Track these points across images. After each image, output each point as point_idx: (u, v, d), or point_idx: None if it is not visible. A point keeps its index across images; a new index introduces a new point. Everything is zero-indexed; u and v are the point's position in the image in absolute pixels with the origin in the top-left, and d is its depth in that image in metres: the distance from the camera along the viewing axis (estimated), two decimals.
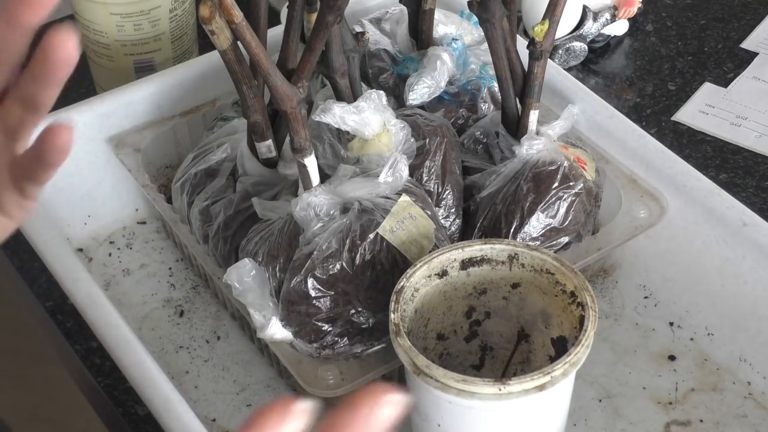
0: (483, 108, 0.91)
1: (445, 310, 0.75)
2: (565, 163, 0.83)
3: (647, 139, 0.92)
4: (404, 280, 0.72)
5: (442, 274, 0.73)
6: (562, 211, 0.83)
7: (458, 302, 0.75)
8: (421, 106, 0.89)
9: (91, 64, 1.05)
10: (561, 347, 0.73)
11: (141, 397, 0.73)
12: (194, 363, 0.84)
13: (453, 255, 0.73)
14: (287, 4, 0.79)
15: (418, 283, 0.72)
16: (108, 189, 0.95)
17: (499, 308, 0.76)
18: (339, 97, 0.81)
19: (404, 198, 0.77)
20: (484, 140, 0.88)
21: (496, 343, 0.77)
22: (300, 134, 0.75)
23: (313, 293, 0.75)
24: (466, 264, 0.74)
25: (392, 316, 0.69)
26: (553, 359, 0.73)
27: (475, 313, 0.76)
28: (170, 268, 0.92)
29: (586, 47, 1.12)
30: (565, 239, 0.83)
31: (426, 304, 0.73)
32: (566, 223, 0.83)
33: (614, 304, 0.88)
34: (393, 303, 0.70)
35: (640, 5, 1.15)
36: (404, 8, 0.94)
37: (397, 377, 0.81)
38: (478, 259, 0.73)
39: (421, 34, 0.93)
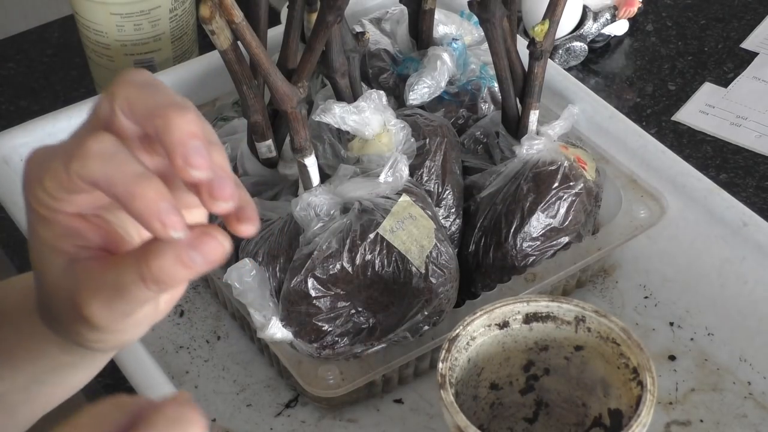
0: (483, 108, 0.91)
1: (502, 360, 0.73)
2: (566, 163, 0.83)
3: (647, 139, 0.91)
4: (460, 327, 0.69)
5: (503, 325, 0.71)
6: (562, 211, 0.83)
7: (517, 355, 0.73)
8: (421, 106, 0.89)
9: (91, 64, 1.05)
10: (616, 422, 0.71)
11: None
12: (194, 363, 0.84)
13: (517, 308, 0.71)
14: (287, 4, 0.79)
15: (476, 332, 0.70)
16: None
17: (559, 367, 0.73)
18: (339, 97, 0.81)
19: (404, 198, 0.77)
20: (485, 140, 0.88)
21: (552, 400, 0.75)
22: (300, 134, 0.75)
23: (313, 293, 0.75)
24: (529, 318, 0.71)
25: (440, 365, 0.67)
26: (608, 430, 0.72)
27: (533, 368, 0.74)
28: None
29: (586, 47, 1.12)
30: (565, 239, 0.83)
31: (482, 353, 0.71)
32: (566, 223, 0.83)
33: (614, 304, 0.88)
34: (444, 351, 0.68)
35: (640, 5, 1.15)
36: (404, 8, 0.94)
37: (398, 377, 0.81)
38: (543, 315, 0.71)
39: (421, 34, 0.93)
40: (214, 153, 0.43)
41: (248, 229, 0.44)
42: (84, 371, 0.58)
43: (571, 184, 0.83)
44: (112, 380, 0.83)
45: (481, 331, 0.71)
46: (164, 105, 0.43)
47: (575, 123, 0.91)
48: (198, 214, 0.49)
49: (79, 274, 0.46)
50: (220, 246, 0.43)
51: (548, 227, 0.82)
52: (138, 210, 0.42)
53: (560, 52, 1.10)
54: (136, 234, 0.49)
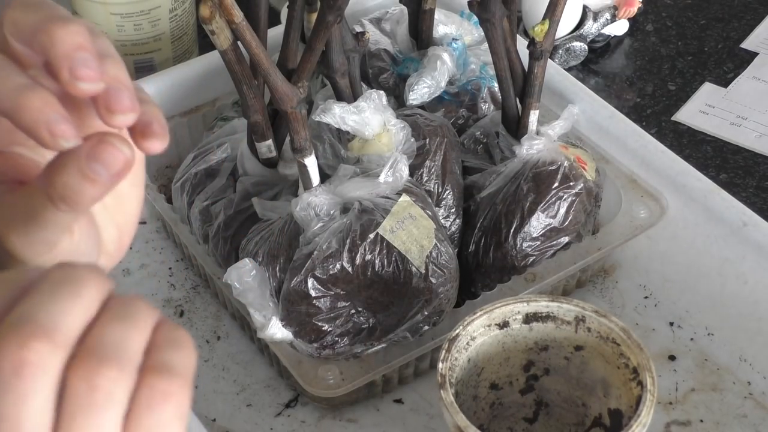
0: (483, 108, 0.91)
1: (502, 361, 0.73)
2: (566, 163, 0.83)
3: (647, 139, 0.91)
4: (460, 327, 0.69)
5: (503, 325, 0.71)
6: (562, 211, 0.83)
7: (517, 355, 0.73)
8: (421, 106, 0.89)
9: None
10: (616, 422, 0.71)
11: None
12: None
13: (517, 308, 0.71)
14: (287, 4, 0.79)
15: (476, 332, 0.70)
16: None
17: (559, 367, 0.74)
18: (339, 97, 0.81)
19: (404, 198, 0.77)
20: (484, 140, 0.88)
21: (552, 400, 0.75)
22: (300, 134, 0.75)
23: (313, 293, 0.75)
24: (529, 318, 0.71)
25: (440, 365, 0.67)
26: (608, 430, 0.72)
27: (533, 368, 0.74)
28: (170, 268, 0.92)
29: (586, 47, 1.12)
30: (565, 239, 0.83)
31: (482, 353, 0.71)
32: (566, 223, 0.83)
33: (614, 304, 0.88)
34: (444, 351, 0.68)
35: (640, 5, 1.15)
36: (404, 8, 0.94)
37: (398, 377, 0.81)
38: (543, 315, 0.71)
39: (421, 34, 0.93)
40: (108, 65, 0.41)
41: (154, 144, 0.41)
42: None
43: (571, 184, 0.83)
44: None
45: (481, 331, 0.71)
46: (46, 19, 0.40)
47: (575, 123, 0.91)
48: None
49: None
50: (120, 153, 0.39)
51: (548, 227, 0.82)
52: (25, 122, 0.39)
53: (560, 52, 1.10)
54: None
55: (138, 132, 0.41)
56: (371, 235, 0.75)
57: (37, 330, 0.35)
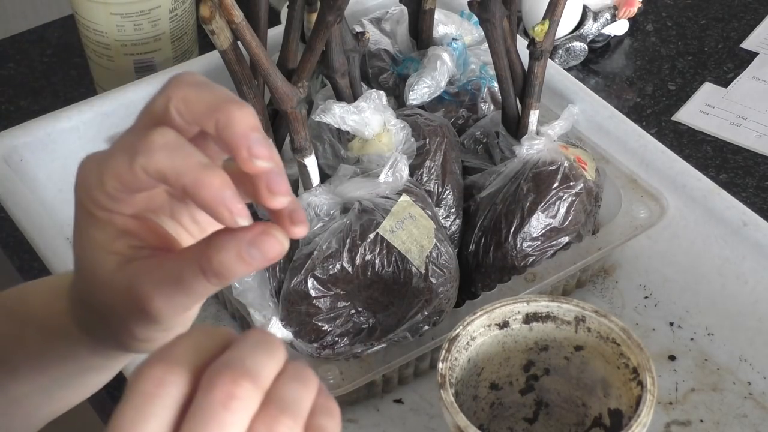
0: (483, 108, 0.91)
1: (502, 360, 0.73)
2: (566, 163, 0.83)
3: (647, 139, 0.91)
4: (460, 327, 0.69)
5: (503, 325, 0.71)
6: (562, 211, 0.83)
7: (517, 355, 0.73)
8: (421, 106, 0.89)
9: (91, 64, 1.05)
10: (616, 422, 0.71)
11: None
12: None
13: (517, 308, 0.71)
14: (287, 4, 0.79)
15: (476, 332, 0.70)
16: None
17: (559, 367, 0.73)
18: (339, 97, 0.81)
19: (404, 198, 0.77)
20: (484, 140, 0.88)
21: (552, 400, 0.75)
22: (300, 134, 0.75)
23: (313, 293, 0.75)
24: (529, 318, 0.71)
25: (440, 365, 0.67)
26: (608, 430, 0.72)
27: (533, 368, 0.74)
28: None
29: (586, 47, 1.12)
30: (565, 239, 0.83)
31: (482, 353, 0.71)
32: (566, 223, 0.83)
33: (614, 304, 0.88)
34: (444, 351, 0.68)
35: (640, 5, 1.15)
36: (404, 8, 0.94)
37: (398, 377, 0.81)
38: (543, 315, 0.71)
39: (421, 34, 0.93)
40: (270, 145, 0.45)
41: (301, 230, 0.45)
42: (105, 374, 0.59)
43: (571, 184, 0.83)
44: (114, 380, 0.83)
45: (481, 331, 0.70)
46: (224, 101, 0.44)
47: (575, 123, 0.91)
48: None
49: (138, 270, 0.47)
50: (279, 244, 0.44)
51: (548, 227, 0.82)
52: (206, 198, 0.43)
53: (560, 52, 1.10)
54: (185, 236, 0.50)
55: (287, 217, 0.45)
56: (371, 235, 0.75)
57: (246, 373, 0.40)
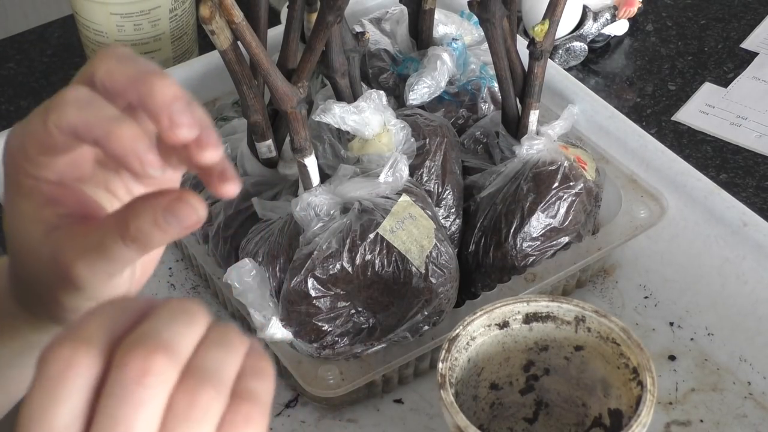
0: (483, 108, 0.91)
1: (502, 360, 0.73)
2: (565, 163, 0.83)
3: (647, 139, 0.91)
4: (460, 327, 0.69)
5: (503, 325, 0.71)
6: (562, 211, 0.83)
7: (517, 355, 0.73)
8: (421, 106, 0.89)
9: None
10: (616, 422, 0.71)
11: None
12: None
13: (517, 308, 0.71)
14: (287, 4, 0.79)
15: (476, 332, 0.70)
16: None
17: (559, 367, 0.73)
18: (339, 97, 0.81)
19: (404, 198, 0.77)
20: (484, 140, 0.88)
21: (552, 400, 0.75)
22: (300, 134, 0.75)
23: (313, 293, 0.75)
24: (529, 318, 0.71)
25: (440, 365, 0.67)
26: (608, 430, 0.72)
27: (533, 368, 0.74)
28: (170, 268, 0.92)
29: (586, 47, 1.12)
30: (565, 239, 0.83)
31: (482, 353, 0.71)
32: (566, 223, 0.83)
33: (614, 304, 0.88)
34: (444, 351, 0.68)
35: (640, 5, 1.15)
36: (404, 8, 0.94)
37: (398, 377, 0.81)
38: (543, 315, 0.71)
39: (421, 34, 0.93)
40: (195, 111, 0.44)
41: (231, 188, 0.44)
42: None
43: (571, 184, 0.83)
44: None
45: (481, 331, 0.71)
46: (145, 73, 0.44)
47: (575, 123, 0.91)
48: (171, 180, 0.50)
49: (62, 237, 0.47)
50: (194, 211, 0.43)
51: (548, 227, 0.82)
52: (117, 149, 0.43)
53: (560, 52, 1.10)
54: (109, 203, 0.50)
55: (216, 176, 0.44)
56: (371, 235, 0.75)
57: (160, 346, 0.38)
